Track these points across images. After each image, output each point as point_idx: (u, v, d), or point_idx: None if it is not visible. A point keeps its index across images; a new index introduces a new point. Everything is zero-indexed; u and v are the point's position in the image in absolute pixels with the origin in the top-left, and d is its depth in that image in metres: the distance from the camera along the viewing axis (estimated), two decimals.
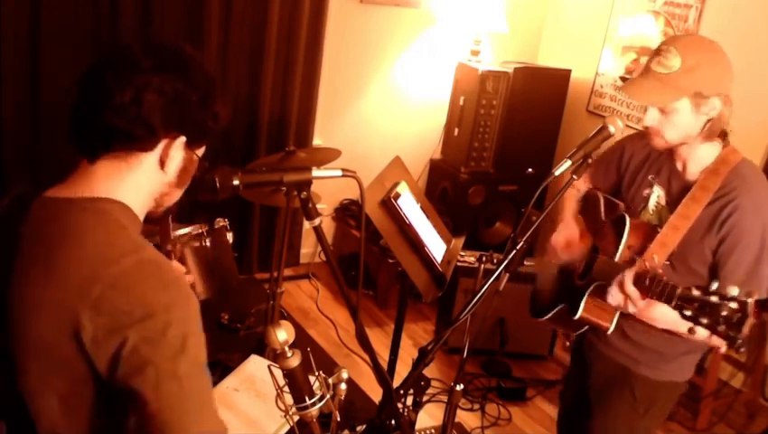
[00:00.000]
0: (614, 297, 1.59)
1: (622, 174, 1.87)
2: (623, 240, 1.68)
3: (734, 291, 1.33)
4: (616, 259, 1.68)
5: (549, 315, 1.84)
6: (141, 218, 1.17)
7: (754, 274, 1.58)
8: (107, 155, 1.10)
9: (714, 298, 1.33)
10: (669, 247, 1.62)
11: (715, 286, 1.35)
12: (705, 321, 1.34)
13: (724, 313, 1.33)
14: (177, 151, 1.13)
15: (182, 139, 1.11)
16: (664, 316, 1.55)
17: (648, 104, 1.62)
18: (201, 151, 1.20)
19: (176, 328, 1.02)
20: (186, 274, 1.54)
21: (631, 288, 1.54)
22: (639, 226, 1.73)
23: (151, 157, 1.11)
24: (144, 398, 1.00)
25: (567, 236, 1.95)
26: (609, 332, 1.71)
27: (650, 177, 1.78)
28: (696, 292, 1.36)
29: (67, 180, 1.12)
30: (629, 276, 1.55)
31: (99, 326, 0.99)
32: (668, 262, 1.64)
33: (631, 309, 1.58)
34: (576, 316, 1.73)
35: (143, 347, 0.99)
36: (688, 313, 1.37)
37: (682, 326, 1.40)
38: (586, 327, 1.79)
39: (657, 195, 1.76)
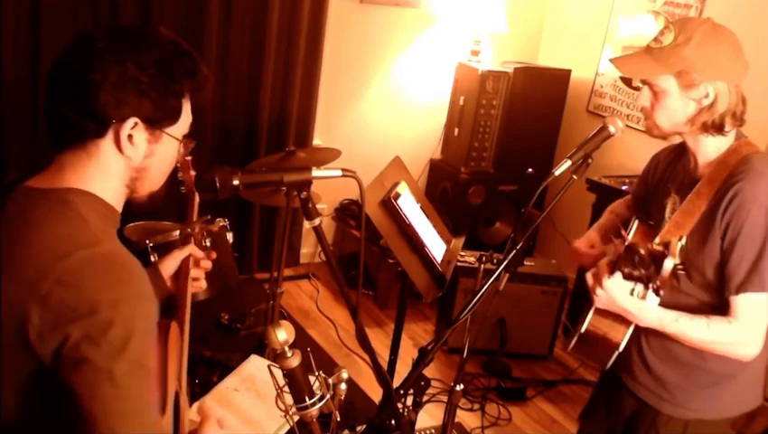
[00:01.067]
0: (588, 281, 1.54)
1: (649, 188, 1.80)
2: (627, 241, 1.60)
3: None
4: None
5: (574, 340, 1.71)
6: (118, 207, 1.16)
7: (756, 268, 1.46)
8: (69, 146, 1.10)
9: (646, 246, 1.28)
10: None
11: (657, 240, 1.29)
12: (636, 273, 1.29)
13: (644, 253, 1.27)
14: (137, 133, 1.11)
15: (133, 120, 1.10)
16: (616, 287, 1.44)
17: (628, 74, 1.56)
18: (177, 130, 1.17)
19: (119, 327, 1.00)
20: (210, 258, 1.53)
21: (602, 269, 1.48)
22: (648, 231, 1.65)
23: (107, 143, 1.11)
24: (79, 395, 0.99)
25: (588, 240, 1.87)
26: (620, 348, 1.60)
27: (669, 185, 1.70)
28: (641, 250, 1.30)
29: (45, 170, 1.12)
30: (603, 261, 1.50)
31: (46, 322, 0.99)
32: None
33: (599, 292, 1.50)
34: (583, 329, 1.64)
35: (83, 344, 0.98)
36: (626, 270, 1.31)
37: (627, 292, 1.34)
38: (614, 357, 1.65)
39: (673, 202, 1.67)
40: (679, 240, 1.28)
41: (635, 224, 1.66)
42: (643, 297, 1.32)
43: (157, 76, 1.10)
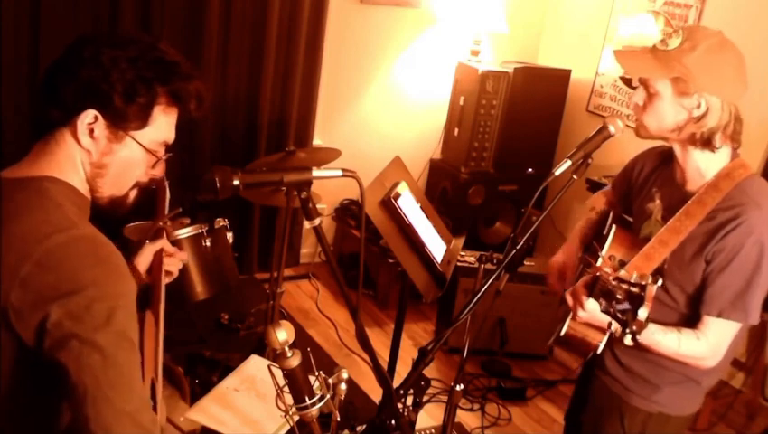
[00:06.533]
0: (567, 301, 1.56)
1: (632, 187, 1.81)
2: (603, 251, 1.62)
3: (648, 278, 1.29)
4: None
5: (553, 337, 1.76)
6: (89, 196, 1.19)
7: (741, 298, 1.50)
8: (42, 135, 1.15)
9: (623, 285, 1.31)
10: (655, 261, 1.53)
11: (635, 276, 1.31)
12: (611, 309, 1.32)
13: (621, 296, 1.30)
14: (98, 128, 1.13)
15: (93, 113, 1.12)
16: (593, 311, 1.46)
17: (628, 69, 1.55)
18: (145, 136, 1.18)
19: (102, 302, 1.03)
20: (181, 257, 1.54)
21: (579, 291, 1.50)
22: (627, 238, 1.66)
23: (69, 132, 1.14)
24: (67, 370, 1.00)
25: (562, 264, 1.90)
26: (599, 351, 1.63)
27: (653, 190, 1.70)
28: (614, 281, 1.33)
29: (21, 161, 1.16)
30: (581, 281, 1.52)
31: (24, 302, 1.01)
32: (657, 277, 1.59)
33: (581, 313, 1.52)
34: (562, 333, 1.67)
35: (66, 321, 1.00)
36: (604, 303, 1.35)
37: (604, 322, 1.39)
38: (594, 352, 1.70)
39: (657, 208, 1.68)
40: (655, 282, 1.30)
41: (612, 231, 1.66)
42: (620, 338, 1.35)
43: (128, 72, 1.12)
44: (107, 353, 1.01)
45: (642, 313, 1.30)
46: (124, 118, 1.14)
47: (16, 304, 1.01)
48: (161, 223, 1.54)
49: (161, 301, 1.37)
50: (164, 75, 1.16)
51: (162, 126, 1.19)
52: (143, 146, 1.18)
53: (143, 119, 1.16)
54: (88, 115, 1.12)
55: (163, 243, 1.50)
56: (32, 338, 1.02)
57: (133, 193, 1.26)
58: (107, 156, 1.16)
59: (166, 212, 1.55)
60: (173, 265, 1.53)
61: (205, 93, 1.22)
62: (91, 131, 1.13)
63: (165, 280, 1.51)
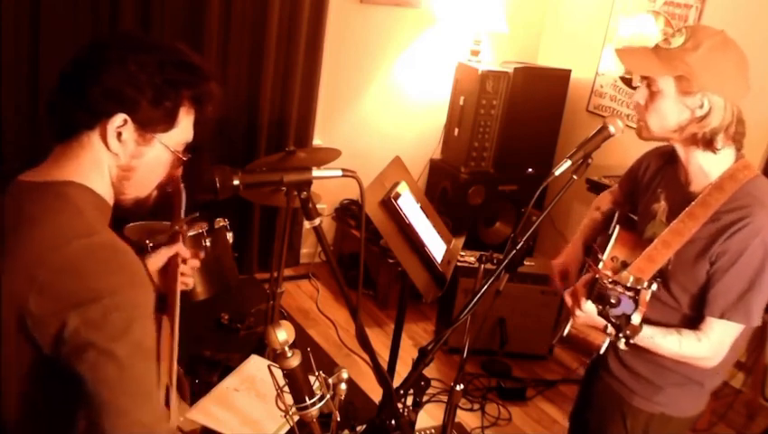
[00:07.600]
0: (566, 301, 1.57)
1: (638, 186, 1.80)
2: (606, 252, 1.62)
3: (643, 283, 1.31)
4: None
5: (557, 338, 1.81)
6: (110, 201, 1.18)
7: (744, 300, 1.49)
8: (64, 138, 1.13)
9: (618, 288, 1.33)
10: (658, 263, 1.53)
11: (631, 279, 1.33)
12: (605, 312, 1.34)
13: (615, 301, 1.33)
14: (126, 131, 1.12)
15: (122, 117, 1.11)
16: (591, 313, 1.47)
17: (630, 67, 1.56)
18: (171, 139, 1.18)
19: (121, 312, 1.02)
20: (196, 258, 1.53)
21: (578, 291, 1.51)
22: (630, 239, 1.66)
23: (97, 136, 1.13)
24: (83, 379, 1.00)
25: (565, 263, 1.91)
26: (602, 351, 1.64)
27: (658, 190, 1.69)
28: (610, 284, 1.35)
29: (42, 163, 1.14)
30: (580, 281, 1.53)
31: (43, 309, 1.00)
32: (659, 280, 1.55)
33: (578, 313, 1.52)
34: (565, 333, 1.68)
35: (84, 330, 1.00)
36: (599, 307, 1.37)
37: (601, 324, 1.42)
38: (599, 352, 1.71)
39: (661, 209, 1.67)
40: (650, 286, 1.32)
41: (616, 232, 1.66)
42: (614, 341, 1.38)
43: (156, 77, 1.11)
44: (124, 363, 1.01)
45: (636, 318, 1.32)
46: (152, 122, 1.14)
47: (35, 311, 1.00)
48: (177, 228, 1.54)
49: (176, 307, 1.36)
50: (189, 79, 1.16)
51: (185, 127, 1.20)
52: (169, 149, 1.19)
53: (170, 122, 1.17)
54: (118, 119, 1.11)
55: (178, 248, 1.49)
56: (50, 346, 1.01)
57: (154, 194, 1.26)
58: (135, 159, 1.16)
59: (182, 215, 1.54)
60: (186, 271, 1.51)
61: (221, 95, 1.22)
62: (119, 135, 1.12)
63: (181, 288, 1.51)
